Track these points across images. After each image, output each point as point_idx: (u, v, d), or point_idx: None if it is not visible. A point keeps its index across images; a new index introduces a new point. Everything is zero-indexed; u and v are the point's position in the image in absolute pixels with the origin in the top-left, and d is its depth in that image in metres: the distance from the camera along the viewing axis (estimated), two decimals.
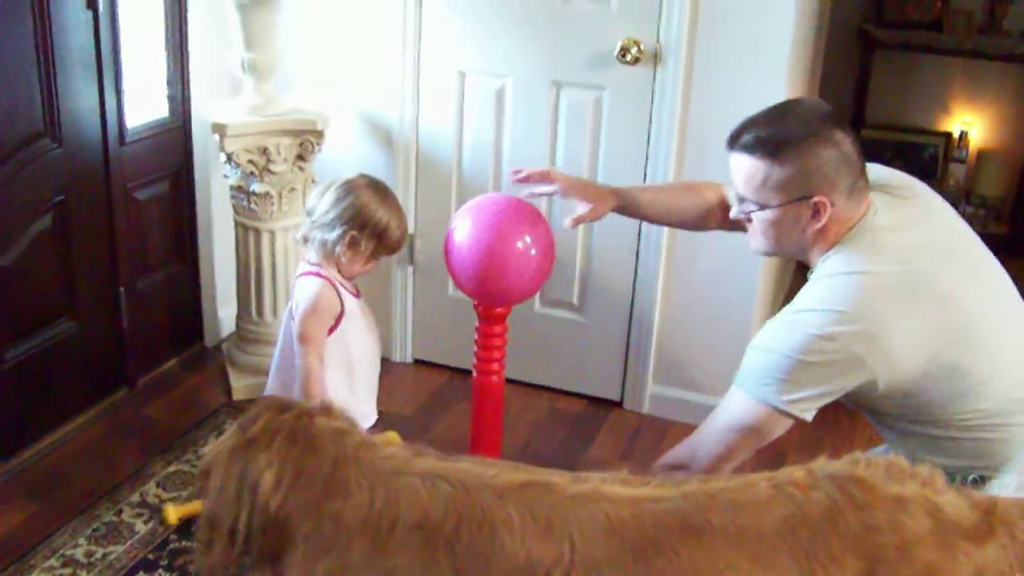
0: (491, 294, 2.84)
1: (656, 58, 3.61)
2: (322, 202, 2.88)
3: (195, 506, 3.28)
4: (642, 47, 3.60)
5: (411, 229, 4.07)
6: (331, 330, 2.88)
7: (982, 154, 5.68)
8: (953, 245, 2.43)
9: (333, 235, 2.84)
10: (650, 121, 3.68)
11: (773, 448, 3.77)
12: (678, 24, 3.54)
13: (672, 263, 3.82)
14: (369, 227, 2.84)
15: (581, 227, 3.86)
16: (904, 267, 2.30)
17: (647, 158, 3.72)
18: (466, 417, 3.86)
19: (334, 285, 2.88)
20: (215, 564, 1.92)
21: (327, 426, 1.96)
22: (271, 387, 3.07)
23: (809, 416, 2.33)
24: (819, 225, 2.32)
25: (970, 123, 5.66)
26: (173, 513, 3.23)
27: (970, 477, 2.34)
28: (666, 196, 2.96)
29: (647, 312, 3.89)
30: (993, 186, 5.67)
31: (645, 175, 3.72)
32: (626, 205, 2.88)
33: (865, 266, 2.30)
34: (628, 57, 3.60)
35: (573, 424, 3.92)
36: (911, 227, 2.39)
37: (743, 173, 2.39)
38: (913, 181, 2.54)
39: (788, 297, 4.95)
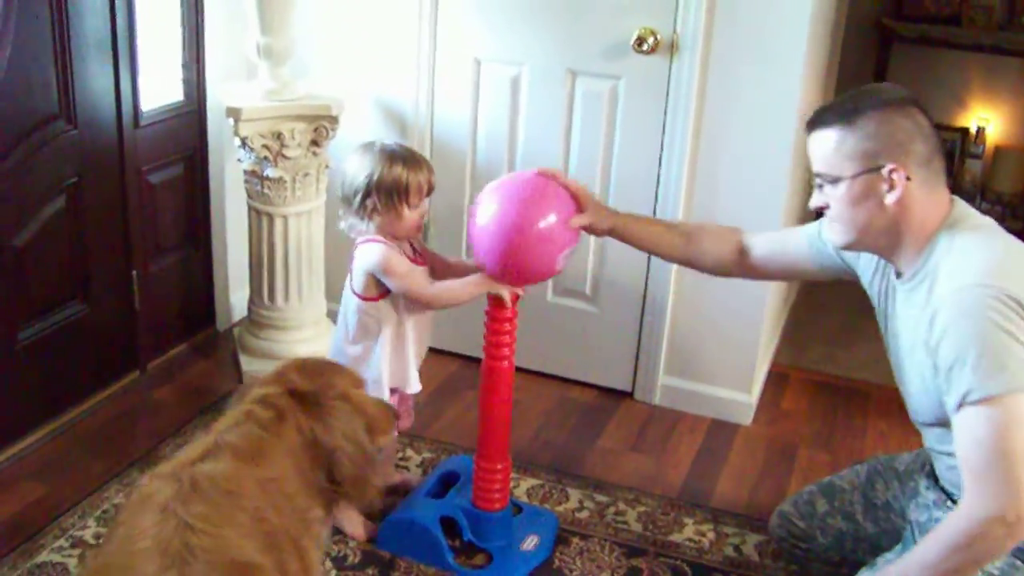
0: (514, 273, 2.81)
1: (672, 48, 3.59)
2: (345, 180, 2.95)
3: None
4: (659, 37, 3.58)
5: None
6: (385, 293, 2.95)
7: (999, 150, 5.65)
8: None
9: (357, 208, 2.91)
10: (665, 111, 3.67)
11: (784, 441, 3.79)
12: (695, 14, 3.52)
13: None
14: (383, 190, 2.89)
15: None
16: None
17: (662, 148, 3.70)
18: (476, 405, 3.86)
19: (389, 248, 2.93)
20: None
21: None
22: None
23: None
24: (895, 196, 2.21)
25: (987, 119, 5.63)
26: None
27: None
28: (671, 236, 2.87)
29: (659, 303, 3.88)
30: (1009, 182, 5.64)
31: (660, 164, 3.71)
32: (623, 233, 2.86)
33: (993, 238, 2.26)
34: (644, 47, 3.59)
35: (584, 414, 3.92)
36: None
37: (817, 147, 2.31)
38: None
39: (801, 290, 4.96)
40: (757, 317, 3.78)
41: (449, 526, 3.10)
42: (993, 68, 5.55)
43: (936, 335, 2.15)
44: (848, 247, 2.40)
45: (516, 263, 2.74)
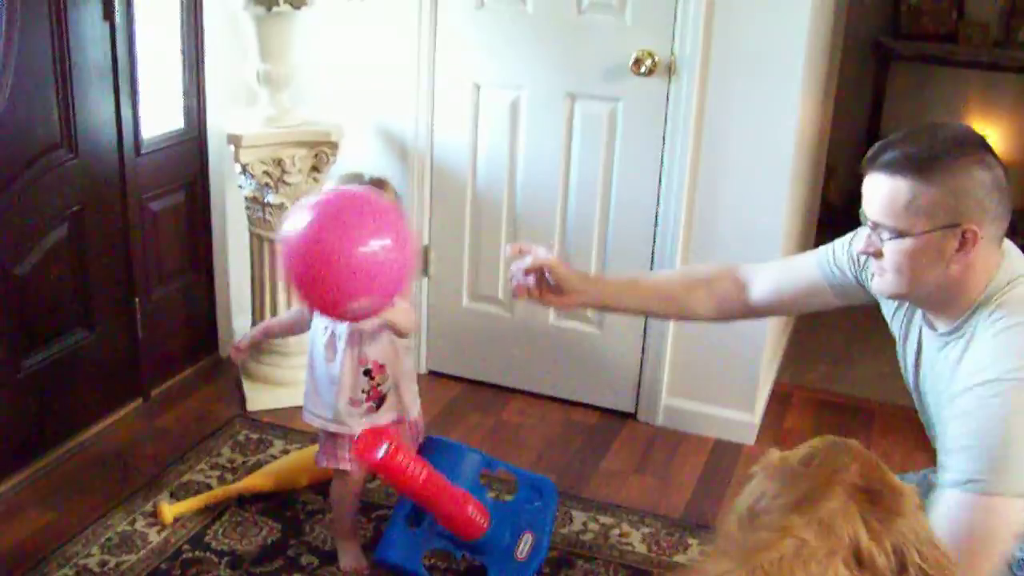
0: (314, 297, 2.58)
1: (670, 70, 3.61)
2: None
3: (188, 504, 3.31)
4: (656, 59, 3.60)
5: (425, 241, 4.08)
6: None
7: None
8: None
9: None
10: (664, 132, 3.68)
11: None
12: (692, 36, 3.53)
13: None
14: None
15: (595, 237, 3.87)
16: None
17: (661, 168, 3.71)
18: (480, 429, 3.88)
19: None
20: None
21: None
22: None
23: None
24: (966, 260, 2.04)
25: (985, 135, 5.63)
26: (168, 512, 3.24)
27: None
28: (658, 302, 2.70)
29: (661, 324, 3.88)
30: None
31: (660, 185, 3.72)
32: (600, 306, 2.77)
33: None
34: (643, 69, 3.61)
35: (587, 435, 3.92)
36: None
37: (882, 195, 2.07)
38: None
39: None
40: (759, 336, 3.78)
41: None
42: (990, 84, 5.58)
43: (956, 410, 2.04)
44: (897, 298, 2.26)
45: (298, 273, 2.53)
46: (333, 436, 2.98)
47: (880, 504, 1.55)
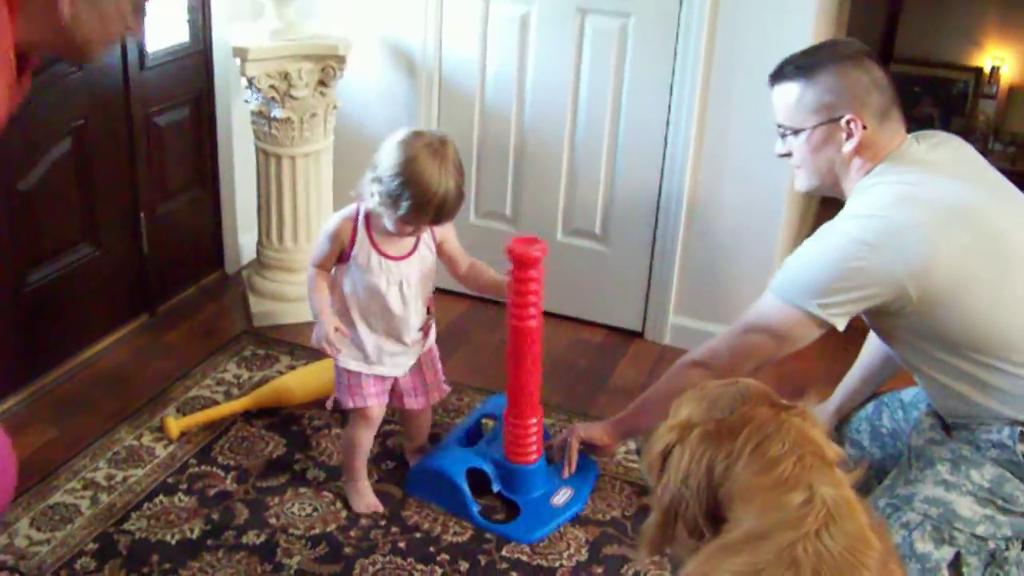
0: None
1: None
2: (381, 150, 2.75)
3: (195, 419, 3.32)
4: None
5: None
6: (339, 262, 2.88)
7: (1013, 91, 5.58)
8: (995, 184, 2.41)
9: (368, 183, 2.76)
10: (676, 49, 3.63)
11: (795, 380, 3.78)
12: None
13: (695, 194, 3.78)
14: (397, 185, 2.69)
15: (604, 155, 3.85)
16: (948, 187, 2.30)
17: (672, 86, 3.67)
18: (486, 347, 3.87)
19: (355, 222, 2.83)
20: (666, 542, 1.82)
21: (798, 426, 1.77)
22: None
23: (841, 324, 2.33)
24: (852, 145, 2.36)
25: (1002, 58, 5.56)
26: (174, 427, 3.26)
27: (1019, 431, 2.27)
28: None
29: (670, 242, 3.86)
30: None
31: (670, 103, 3.68)
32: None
33: (907, 177, 2.33)
34: None
35: (595, 354, 3.91)
36: (952, 162, 2.40)
37: (779, 101, 2.46)
38: (948, 134, 2.52)
39: (813, 229, 4.93)
40: (768, 256, 3.76)
41: (481, 475, 3.07)
42: (1008, 7, 5.48)
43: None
44: (812, 191, 2.57)
45: None
46: (359, 376, 2.94)
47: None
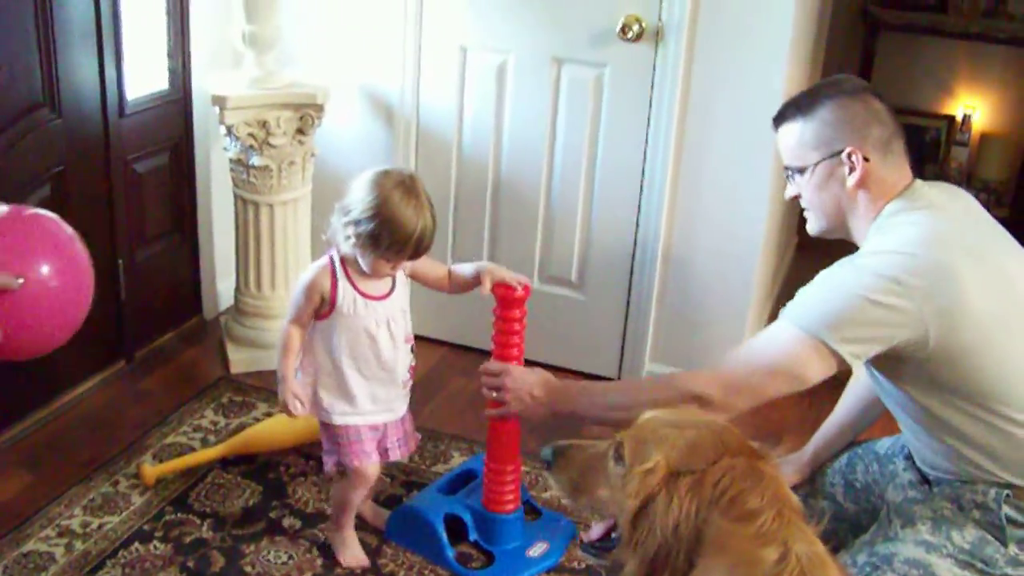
0: None
1: (658, 36, 3.60)
2: (350, 193, 2.76)
3: (171, 465, 3.31)
4: (644, 24, 3.58)
5: None
6: (322, 316, 2.84)
7: (984, 138, 5.66)
8: (1001, 233, 2.41)
9: (342, 227, 2.75)
10: (651, 99, 3.67)
11: (769, 427, 3.80)
12: (680, 2, 3.52)
13: (670, 242, 3.82)
14: (375, 225, 2.69)
15: (580, 203, 3.88)
16: (967, 231, 2.31)
17: (647, 135, 3.71)
18: (463, 393, 3.88)
19: (332, 272, 2.81)
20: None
21: (776, 479, 1.81)
22: None
23: (857, 364, 2.23)
24: (855, 179, 2.32)
25: (973, 106, 5.64)
26: (150, 473, 3.25)
27: (1004, 493, 2.26)
28: None
29: (645, 290, 3.89)
30: (995, 170, 5.64)
31: (645, 152, 3.72)
32: None
33: (927, 217, 2.28)
34: (630, 34, 3.59)
35: None
36: (963, 210, 2.40)
37: (783, 143, 2.46)
38: (950, 184, 2.53)
39: (788, 278, 4.97)
40: (743, 304, 3.79)
41: (460, 525, 3.07)
42: (979, 56, 5.55)
43: None
44: (822, 233, 2.49)
45: None
46: (359, 432, 2.90)
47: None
